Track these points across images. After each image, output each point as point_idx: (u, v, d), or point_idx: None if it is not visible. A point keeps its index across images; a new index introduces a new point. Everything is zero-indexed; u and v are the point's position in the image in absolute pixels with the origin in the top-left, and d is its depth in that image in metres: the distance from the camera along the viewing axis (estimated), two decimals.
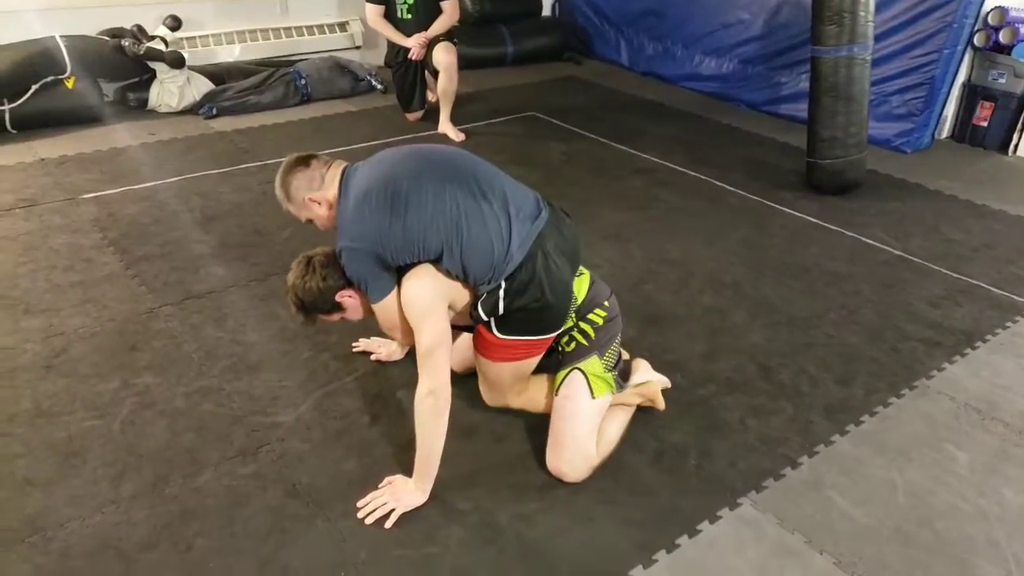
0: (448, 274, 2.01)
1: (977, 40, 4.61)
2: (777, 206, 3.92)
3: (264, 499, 2.05)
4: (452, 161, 2.09)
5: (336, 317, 2.16)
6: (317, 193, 2.08)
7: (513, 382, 2.21)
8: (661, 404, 2.36)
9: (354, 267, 2.01)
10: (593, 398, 2.14)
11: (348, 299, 2.10)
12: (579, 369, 2.14)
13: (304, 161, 2.11)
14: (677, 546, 1.93)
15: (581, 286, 2.17)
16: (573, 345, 2.17)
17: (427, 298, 1.97)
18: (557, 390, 2.16)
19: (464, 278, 2.01)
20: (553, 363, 2.24)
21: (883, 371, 2.64)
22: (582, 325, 2.16)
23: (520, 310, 2.00)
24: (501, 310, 2.00)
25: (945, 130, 4.95)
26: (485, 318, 2.04)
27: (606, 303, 2.21)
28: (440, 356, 1.94)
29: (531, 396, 2.28)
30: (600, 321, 2.18)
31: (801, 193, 4.07)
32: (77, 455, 2.17)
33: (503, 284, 1.98)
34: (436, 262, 2.00)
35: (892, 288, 3.17)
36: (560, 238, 2.06)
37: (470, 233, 1.95)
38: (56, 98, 4.64)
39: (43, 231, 3.44)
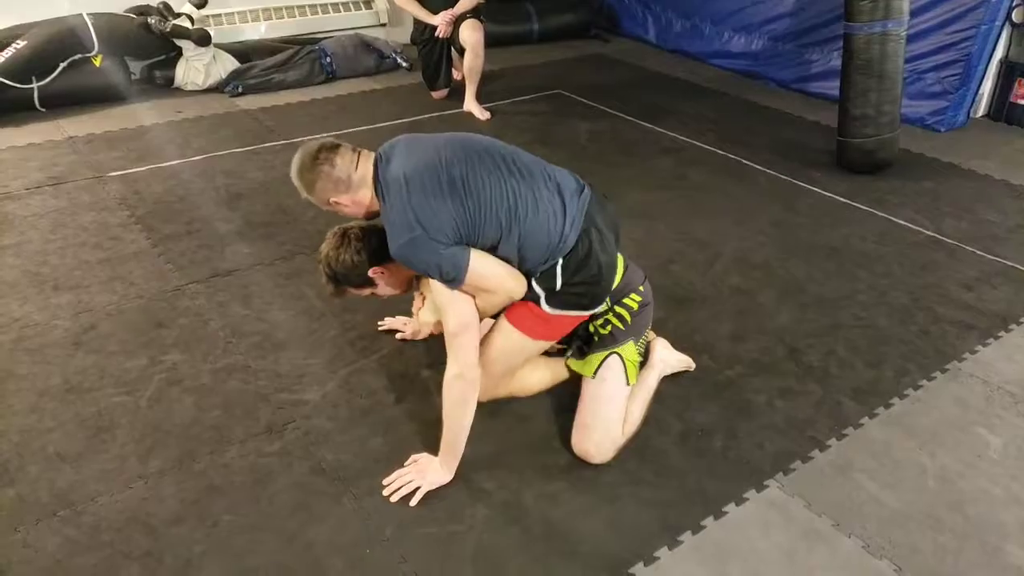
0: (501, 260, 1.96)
1: (1015, 16, 4.49)
2: (807, 186, 3.86)
3: (290, 476, 2.06)
4: (492, 147, 2.03)
5: (366, 292, 2.15)
6: (344, 196, 1.98)
7: (515, 365, 2.17)
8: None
9: (421, 257, 1.87)
10: (627, 384, 2.14)
11: (380, 276, 2.09)
12: (617, 354, 2.14)
13: (328, 158, 1.96)
14: (703, 527, 1.92)
15: (617, 270, 2.15)
16: (609, 328, 2.16)
17: None
18: (595, 372, 2.14)
19: (520, 263, 1.97)
20: (571, 347, 2.23)
21: (914, 353, 2.60)
22: (617, 309, 2.15)
23: (576, 284, 1.97)
24: (558, 286, 1.97)
25: (981, 108, 4.84)
26: (539, 293, 2.00)
27: (641, 288, 2.19)
28: (467, 339, 1.93)
29: (522, 378, 2.26)
30: (635, 306, 2.17)
31: (831, 173, 4.00)
32: (106, 430, 2.20)
33: (560, 260, 1.95)
34: (490, 249, 1.94)
35: (924, 269, 3.11)
36: (604, 213, 2.03)
37: (527, 219, 1.91)
38: (83, 76, 4.67)
39: (71, 209, 3.47)
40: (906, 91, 4.11)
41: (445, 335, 1.96)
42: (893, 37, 3.65)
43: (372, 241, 2.06)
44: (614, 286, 2.10)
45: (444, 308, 1.94)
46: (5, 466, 2.06)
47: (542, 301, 2.00)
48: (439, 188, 1.87)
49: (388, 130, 4.40)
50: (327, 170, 1.95)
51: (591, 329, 2.18)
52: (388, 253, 1.98)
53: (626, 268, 2.18)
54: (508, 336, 2.07)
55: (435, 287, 1.95)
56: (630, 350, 2.16)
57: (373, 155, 2.00)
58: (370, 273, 2.09)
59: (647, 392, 2.27)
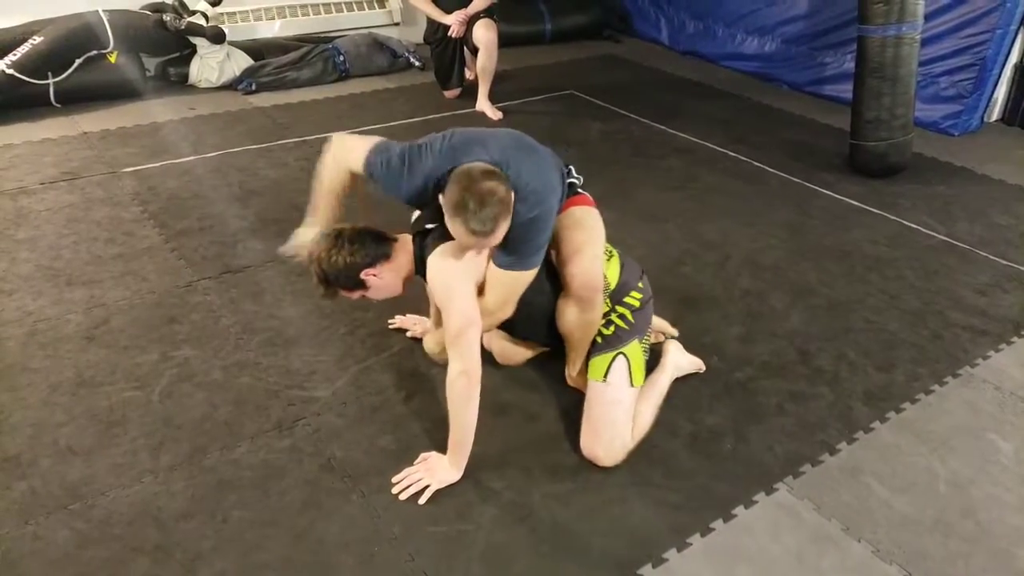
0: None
1: None
2: (819, 188, 3.85)
3: (300, 473, 2.06)
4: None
5: (357, 295, 2.10)
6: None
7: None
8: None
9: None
10: (632, 385, 2.13)
11: (372, 278, 2.05)
12: (623, 354, 2.13)
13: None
14: (712, 530, 1.92)
15: (612, 269, 2.16)
16: (612, 329, 2.16)
17: (452, 279, 1.95)
18: (604, 376, 2.13)
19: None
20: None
21: (925, 358, 2.59)
22: (619, 309, 2.15)
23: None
24: None
25: (995, 113, 4.81)
26: None
27: (640, 284, 2.19)
28: (470, 337, 1.93)
29: (504, 347, 2.32)
30: (637, 304, 2.17)
31: (844, 176, 3.99)
32: (118, 424, 2.21)
33: None
34: None
35: (936, 274, 3.09)
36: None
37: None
38: (99, 72, 4.69)
39: (85, 204, 3.50)
40: (920, 95, 4.09)
41: (446, 336, 1.95)
42: (907, 40, 3.63)
43: (366, 243, 2.03)
44: (612, 288, 2.12)
45: (445, 308, 1.94)
46: (17, 459, 2.08)
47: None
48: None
49: (401, 128, 4.41)
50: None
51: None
52: (381, 254, 2.02)
53: (623, 266, 2.18)
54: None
55: (433, 288, 1.96)
56: (635, 349, 2.15)
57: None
58: (362, 275, 2.04)
59: (658, 395, 2.26)
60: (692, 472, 2.10)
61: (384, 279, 2.07)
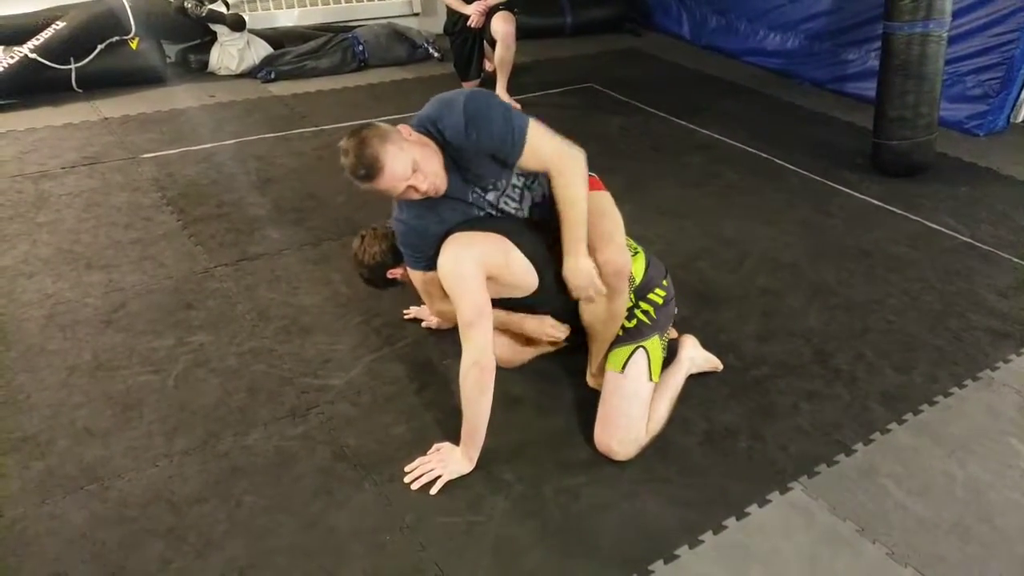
0: None
1: None
2: (840, 187, 3.81)
3: (312, 460, 2.07)
4: None
5: (401, 281, 2.31)
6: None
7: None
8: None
9: (496, 109, 1.97)
10: (651, 380, 2.13)
11: (397, 276, 2.26)
12: (643, 348, 2.13)
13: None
14: (724, 528, 1.90)
15: (638, 265, 2.15)
16: (635, 322, 2.16)
17: (462, 269, 1.95)
18: (623, 367, 2.13)
19: None
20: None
21: (945, 360, 2.56)
22: (643, 305, 2.15)
23: None
24: None
25: (1022, 114, 4.73)
26: None
27: (664, 282, 2.20)
28: (481, 327, 1.93)
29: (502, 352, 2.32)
30: (660, 301, 2.17)
31: (866, 175, 3.94)
32: (133, 408, 2.22)
33: None
34: None
35: (958, 275, 3.06)
36: None
37: None
38: (120, 58, 4.72)
39: (105, 189, 3.51)
40: (945, 94, 4.03)
41: (459, 325, 1.95)
42: (934, 38, 3.58)
43: (385, 243, 2.22)
44: (637, 283, 2.12)
45: (457, 298, 1.94)
46: (36, 439, 2.10)
47: None
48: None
49: None
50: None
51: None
52: (400, 254, 2.19)
53: (648, 264, 2.19)
54: None
55: (444, 278, 1.96)
56: (655, 345, 2.15)
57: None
58: (388, 274, 2.26)
59: (673, 391, 2.25)
60: (706, 470, 2.08)
61: (407, 277, 2.23)
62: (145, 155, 3.88)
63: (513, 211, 2.12)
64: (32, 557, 1.77)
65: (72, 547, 1.80)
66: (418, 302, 2.66)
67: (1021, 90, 4.58)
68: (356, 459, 2.07)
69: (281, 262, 3.00)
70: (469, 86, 4.97)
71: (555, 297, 2.11)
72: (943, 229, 3.42)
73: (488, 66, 5.03)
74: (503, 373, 2.02)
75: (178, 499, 1.93)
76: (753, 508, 1.96)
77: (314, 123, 4.38)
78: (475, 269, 1.95)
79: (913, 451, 2.17)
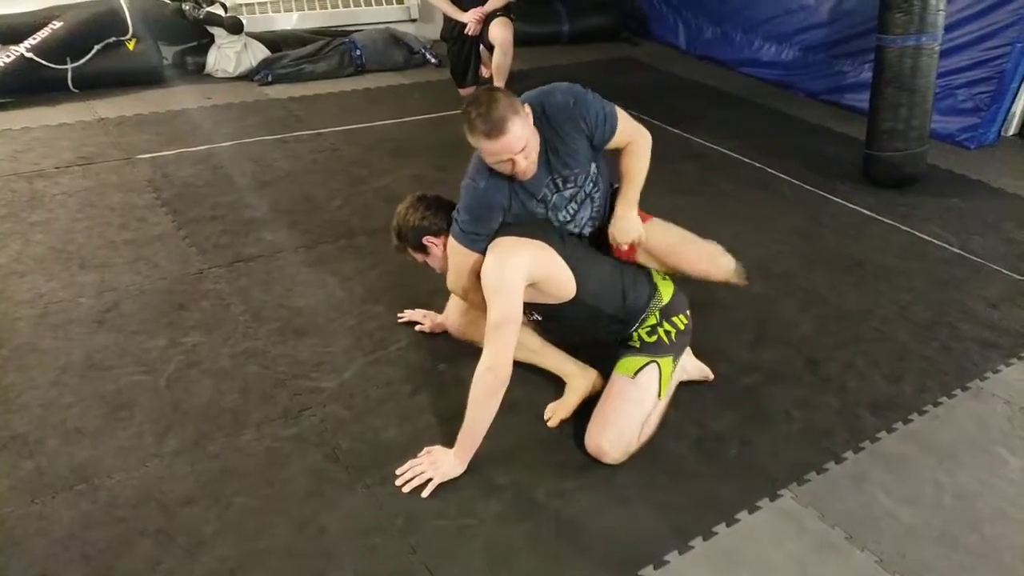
0: None
1: None
2: (832, 197, 3.83)
3: (304, 462, 2.07)
4: None
5: (420, 259, 2.30)
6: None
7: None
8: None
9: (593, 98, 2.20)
10: (658, 397, 2.16)
11: (433, 246, 2.22)
12: (658, 364, 2.17)
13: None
14: (714, 534, 1.91)
15: (667, 289, 2.25)
16: (655, 338, 2.21)
17: (507, 276, 1.95)
18: (635, 374, 2.15)
19: None
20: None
21: (935, 370, 2.57)
22: (666, 324, 2.21)
23: None
24: None
25: (1012, 127, 4.77)
26: None
27: (688, 312, 2.28)
28: (507, 333, 1.93)
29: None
30: (681, 327, 2.24)
31: (857, 185, 3.97)
32: (125, 408, 2.22)
33: None
34: None
35: (948, 286, 3.08)
36: None
37: None
38: (117, 59, 4.72)
39: (99, 189, 3.51)
40: (937, 106, 4.06)
41: (487, 325, 1.95)
42: (926, 51, 3.61)
43: (439, 213, 2.20)
44: (664, 303, 2.21)
45: (492, 300, 1.95)
46: (25, 438, 2.09)
47: None
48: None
49: (415, 124, 4.42)
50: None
51: (635, 336, 2.22)
52: (445, 228, 2.17)
53: (675, 292, 2.28)
54: None
55: (485, 274, 1.99)
56: (668, 364, 2.19)
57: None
58: (424, 240, 2.22)
59: (665, 399, 2.26)
60: (696, 476, 2.09)
61: (440, 251, 2.22)
62: (141, 156, 3.88)
63: (566, 218, 2.18)
64: (21, 557, 1.76)
65: (61, 547, 1.79)
66: (418, 303, 2.67)
67: (1012, 104, 4.62)
68: (348, 461, 2.08)
69: (276, 264, 3.00)
70: (465, 93, 5.00)
71: (583, 308, 2.13)
72: (934, 240, 3.44)
73: (485, 72, 5.05)
74: None
75: (168, 500, 1.93)
76: (743, 515, 1.97)
77: (311, 126, 4.38)
78: (519, 278, 1.96)
79: (902, 460, 2.19)
